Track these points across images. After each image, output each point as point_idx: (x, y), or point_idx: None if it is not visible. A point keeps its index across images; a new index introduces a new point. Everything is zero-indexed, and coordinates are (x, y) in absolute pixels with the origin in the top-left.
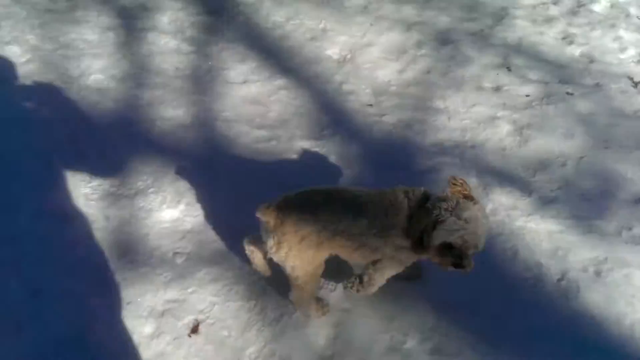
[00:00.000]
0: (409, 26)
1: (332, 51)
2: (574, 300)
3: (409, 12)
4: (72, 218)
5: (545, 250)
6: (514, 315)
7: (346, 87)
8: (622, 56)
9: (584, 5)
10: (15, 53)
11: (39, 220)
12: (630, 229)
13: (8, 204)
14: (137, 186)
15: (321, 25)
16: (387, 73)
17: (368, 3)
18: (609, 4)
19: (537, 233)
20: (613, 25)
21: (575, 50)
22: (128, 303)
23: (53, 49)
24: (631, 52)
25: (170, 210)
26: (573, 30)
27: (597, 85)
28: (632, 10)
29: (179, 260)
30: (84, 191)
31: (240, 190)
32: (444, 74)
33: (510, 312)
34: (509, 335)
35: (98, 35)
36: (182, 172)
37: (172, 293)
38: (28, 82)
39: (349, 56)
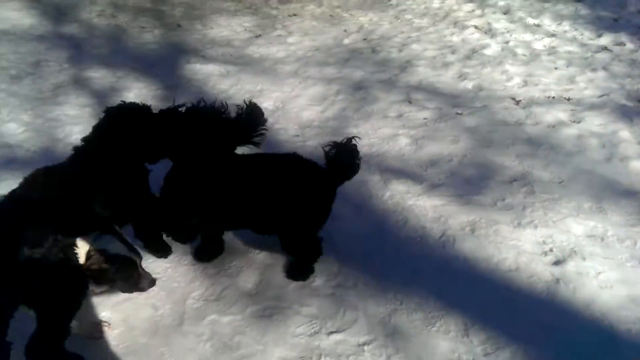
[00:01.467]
0: (330, 81)
1: (267, 103)
2: (450, 248)
3: (330, 71)
4: None
5: (430, 217)
6: (401, 261)
7: (278, 126)
8: (508, 84)
9: (477, 51)
10: (13, 128)
11: None
12: (503, 199)
13: None
14: None
15: (258, 87)
16: (311, 114)
17: (297, 69)
18: (499, 48)
19: (424, 207)
20: (501, 63)
21: (467, 84)
22: None
23: (42, 123)
24: (516, 80)
25: None
26: (467, 70)
27: (484, 106)
28: (519, 51)
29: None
30: None
31: None
32: (357, 110)
33: (398, 259)
34: (397, 274)
35: (77, 111)
36: None
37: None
38: (26, 145)
39: (280, 105)
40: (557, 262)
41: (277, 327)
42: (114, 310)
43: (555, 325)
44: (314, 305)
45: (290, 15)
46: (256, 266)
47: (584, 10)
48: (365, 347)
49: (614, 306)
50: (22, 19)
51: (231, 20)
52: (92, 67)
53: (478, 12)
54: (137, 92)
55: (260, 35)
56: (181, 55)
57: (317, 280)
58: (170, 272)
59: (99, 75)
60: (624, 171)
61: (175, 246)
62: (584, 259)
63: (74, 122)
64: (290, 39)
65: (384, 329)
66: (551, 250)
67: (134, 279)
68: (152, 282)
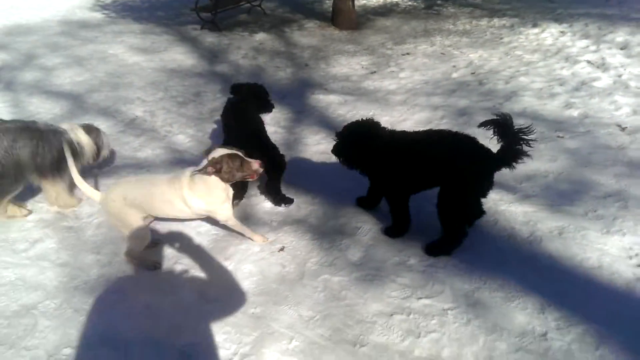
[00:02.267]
0: (435, 108)
1: None
2: (537, 246)
3: (436, 100)
4: None
5: (520, 221)
6: (489, 252)
7: None
8: (615, 113)
9: (586, 83)
10: (181, 139)
11: None
12: (595, 211)
13: None
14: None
15: (371, 113)
16: None
17: (406, 98)
18: (611, 81)
19: (515, 212)
20: (611, 94)
21: (573, 112)
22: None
23: (202, 135)
24: (625, 109)
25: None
26: (573, 100)
27: (588, 131)
28: (632, 83)
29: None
30: None
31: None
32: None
33: (487, 251)
34: (484, 262)
35: None
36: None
37: (271, 235)
38: (190, 150)
39: (389, 127)
40: None
41: (376, 289)
42: (254, 265)
43: (629, 316)
44: (408, 277)
45: (403, 54)
46: (361, 245)
47: None
48: (449, 312)
49: None
50: (186, 60)
51: (350, 59)
52: None
53: (593, 47)
54: (272, 115)
55: (375, 72)
56: (307, 88)
57: (412, 260)
58: (295, 243)
59: None
60: None
61: (297, 225)
62: None
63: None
64: (401, 74)
65: (467, 300)
66: (637, 255)
67: (244, 165)
68: (262, 164)
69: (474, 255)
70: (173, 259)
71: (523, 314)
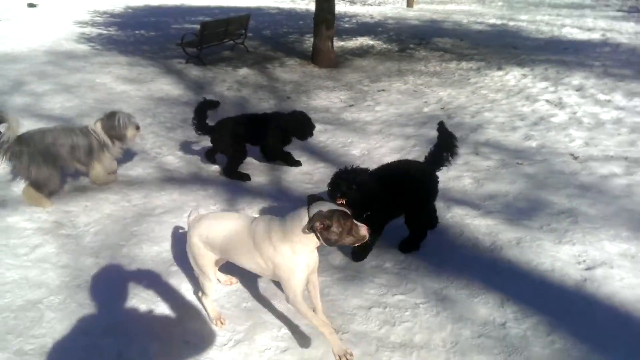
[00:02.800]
0: (408, 137)
1: (356, 151)
2: (497, 253)
3: (409, 130)
4: None
5: (483, 232)
6: (455, 258)
7: (363, 166)
8: (570, 144)
9: (544, 119)
10: (171, 159)
11: None
12: (549, 224)
13: None
14: None
15: (349, 140)
16: (390, 159)
17: (381, 128)
18: (566, 117)
19: (479, 225)
20: (565, 128)
21: (532, 143)
22: None
23: (190, 157)
24: (578, 142)
25: None
26: (532, 132)
27: (544, 160)
28: (585, 120)
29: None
30: None
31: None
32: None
33: (453, 256)
34: (451, 266)
35: None
36: None
37: None
38: (180, 170)
39: (366, 153)
40: (588, 268)
41: (356, 287)
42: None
43: (578, 309)
44: (384, 278)
45: (379, 91)
46: (343, 252)
47: None
48: (421, 305)
49: (633, 300)
50: (173, 90)
51: (330, 94)
52: None
53: (551, 89)
54: None
55: (352, 105)
56: None
57: (387, 264)
58: None
59: None
60: None
61: None
62: (611, 267)
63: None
64: (377, 108)
65: (436, 296)
66: (584, 261)
67: (354, 229)
68: (368, 228)
69: (442, 260)
70: (169, 262)
71: (485, 308)
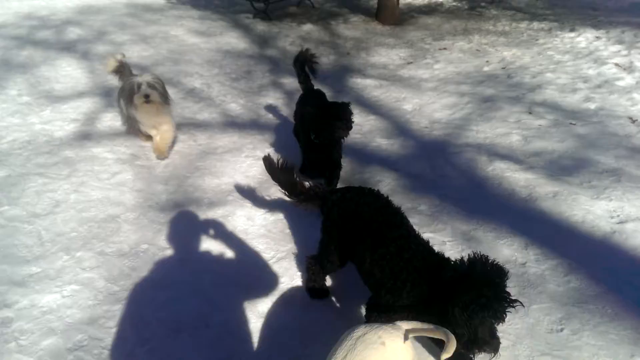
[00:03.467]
0: (462, 95)
1: (408, 106)
2: (532, 203)
3: (464, 88)
4: None
5: (521, 185)
6: (489, 205)
7: (413, 120)
8: (631, 108)
9: (609, 82)
10: (234, 107)
11: None
12: (589, 182)
13: None
14: None
15: (403, 95)
16: (441, 115)
17: (437, 86)
18: (633, 81)
19: (518, 179)
20: (629, 92)
21: (590, 105)
22: None
23: (251, 105)
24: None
25: None
26: (593, 95)
27: (600, 122)
28: None
29: None
30: None
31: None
32: (481, 115)
33: (487, 204)
34: (484, 211)
35: (273, 101)
36: None
37: None
38: (241, 116)
39: (418, 108)
40: (620, 222)
41: None
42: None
43: (600, 256)
44: (417, 218)
45: (440, 49)
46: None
47: None
48: (448, 243)
49: None
50: (239, 43)
51: (390, 51)
52: (284, 76)
53: (624, 52)
54: None
55: (411, 62)
56: (347, 72)
57: (422, 206)
58: None
59: (288, 82)
60: None
61: None
62: None
63: (270, 107)
64: (436, 66)
65: (464, 236)
66: (618, 215)
67: None
68: None
69: (475, 206)
70: (227, 192)
71: (509, 249)
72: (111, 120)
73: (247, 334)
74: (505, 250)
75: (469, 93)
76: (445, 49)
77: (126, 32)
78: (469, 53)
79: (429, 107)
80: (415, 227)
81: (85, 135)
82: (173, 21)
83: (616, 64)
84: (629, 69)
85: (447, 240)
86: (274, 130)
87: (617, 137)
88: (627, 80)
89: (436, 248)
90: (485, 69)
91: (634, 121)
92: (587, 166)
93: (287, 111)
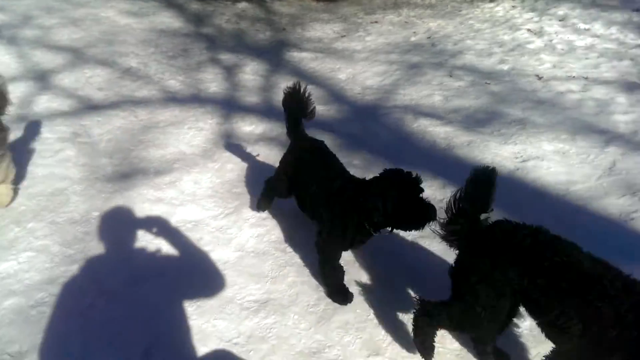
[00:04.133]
0: (392, 63)
1: (342, 75)
2: (449, 151)
3: (393, 57)
4: None
5: (441, 136)
6: (411, 152)
7: (347, 87)
8: (538, 67)
9: (521, 45)
10: (172, 84)
11: None
12: (499, 130)
13: None
14: None
15: (337, 66)
16: (373, 82)
17: (368, 56)
18: (542, 44)
19: (439, 131)
20: (538, 53)
21: (504, 67)
22: None
23: (190, 81)
24: (547, 65)
25: None
26: (507, 58)
27: (511, 80)
28: (559, 46)
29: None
30: None
31: None
32: (407, 80)
33: (411, 151)
34: (404, 155)
35: (212, 75)
36: None
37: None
38: (180, 92)
39: (351, 77)
40: (522, 161)
41: None
42: (235, 165)
43: (506, 188)
44: (351, 171)
45: (372, 22)
46: None
47: (636, 18)
48: None
49: (552, 182)
50: (174, 22)
51: (324, 26)
52: (221, 53)
53: (536, 19)
54: (253, 67)
55: (345, 36)
56: (284, 47)
57: (356, 161)
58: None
59: (226, 57)
60: (605, 120)
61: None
62: (542, 160)
63: (210, 81)
64: (368, 38)
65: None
66: (521, 156)
67: None
68: None
69: (401, 156)
70: (172, 161)
71: (430, 189)
72: (47, 102)
73: (201, 279)
74: (427, 190)
75: (397, 61)
76: (376, 22)
77: (54, 15)
78: (398, 25)
79: (361, 76)
80: None
81: (23, 118)
82: (102, 3)
83: (528, 30)
84: (539, 33)
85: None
86: (215, 103)
87: (524, 92)
88: (537, 43)
89: None
90: (413, 39)
91: (540, 78)
92: (497, 118)
93: (227, 85)
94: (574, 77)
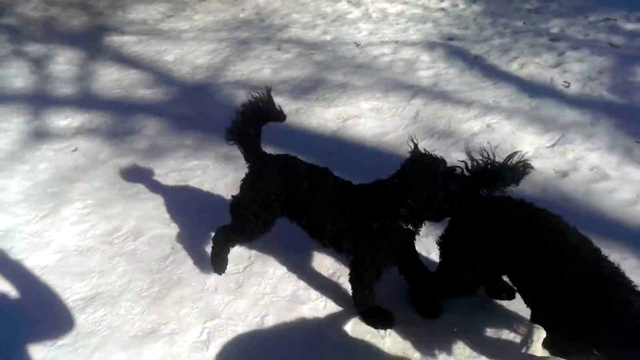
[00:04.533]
0: (221, 40)
1: (169, 57)
2: None
3: (223, 34)
4: None
5: None
6: None
7: (175, 68)
8: (357, 35)
9: (341, 16)
10: None
11: None
12: (324, 95)
13: None
14: None
15: (163, 48)
16: (203, 61)
17: (197, 35)
18: (360, 14)
19: None
20: (356, 23)
21: (327, 37)
22: None
23: None
24: (364, 33)
25: None
26: (329, 28)
27: (333, 49)
28: (374, 15)
29: None
30: None
31: None
32: (238, 56)
33: None
34: None
35: (17, 70)
36: None
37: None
38: None
39: (179, 58)
40: (343, 121)
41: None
42: (49, 162)
43: (331, 145)
44: (183, 152)
45: (200, 1)
46: None
47: None
48: (210, 165)
49: (368, 135)
50: None
51: (149, 7)
52: (28, 44)
53: None
54: (67, 56)
55: (171, 16)
56: (103, 32)
57: (188, 141)
58: (88, 145)
59: (34, 49)
60: (411, 76)
61: None
62: (360, 118)
63: (13, 77)
64: (196, 17)
65: (224, 157)
66: (342, 117)
67: None
68: None
69: None
70: None
71: None
72: None
73: (15, 289)
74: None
75: (227, 38)
76: (204, 0)
77: None
78: (226, 2)
79: (190, 55)
80: (182, 159)
81: None
82: None
83: (348, 1)
84: (357, 4)
85: (210, 163)
86: (21, 100)
87: (345, 59)
88: (355, 13)
89: (199, 172)
90: (241, 15)
91: (358, 45)
92: (322, 85)
93: (35, 78)
94: (386, 41)
